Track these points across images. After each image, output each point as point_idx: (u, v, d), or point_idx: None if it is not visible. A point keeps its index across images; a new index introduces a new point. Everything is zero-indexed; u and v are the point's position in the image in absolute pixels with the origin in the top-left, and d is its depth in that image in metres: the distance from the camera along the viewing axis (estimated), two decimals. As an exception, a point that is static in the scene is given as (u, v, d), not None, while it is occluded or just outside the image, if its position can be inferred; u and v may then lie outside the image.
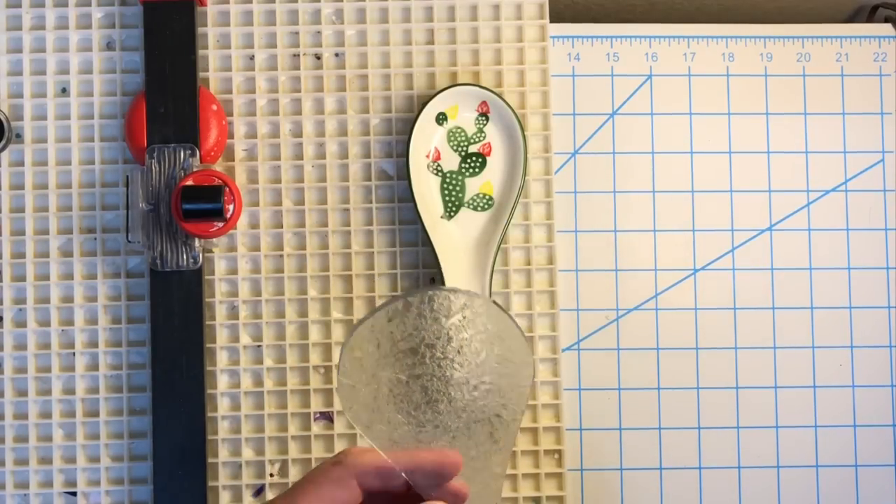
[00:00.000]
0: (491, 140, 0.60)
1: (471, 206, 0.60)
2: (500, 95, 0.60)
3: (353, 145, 0.61)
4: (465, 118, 0.60)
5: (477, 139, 0.60)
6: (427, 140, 0.60)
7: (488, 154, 0.60)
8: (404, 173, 0.59)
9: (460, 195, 0.60)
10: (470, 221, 0.60)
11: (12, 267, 0.60)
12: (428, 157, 0.60)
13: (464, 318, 0.45)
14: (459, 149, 0.60)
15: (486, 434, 0.45)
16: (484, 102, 0.60)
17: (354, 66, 0.61)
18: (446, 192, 0.60)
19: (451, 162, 0.60)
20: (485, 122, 0.60)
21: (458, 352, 0.44)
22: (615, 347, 0.62)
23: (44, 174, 0.60)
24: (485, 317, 0.45)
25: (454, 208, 0.60)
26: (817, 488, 0.62)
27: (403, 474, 0.42)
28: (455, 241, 0.59)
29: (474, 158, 0.60)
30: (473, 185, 0.60)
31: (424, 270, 0.60)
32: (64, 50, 0.61)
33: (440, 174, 0.60)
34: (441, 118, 0.60)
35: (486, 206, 0.60)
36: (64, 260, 0.60)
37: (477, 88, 0.59)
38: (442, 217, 0.59)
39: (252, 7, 0.61)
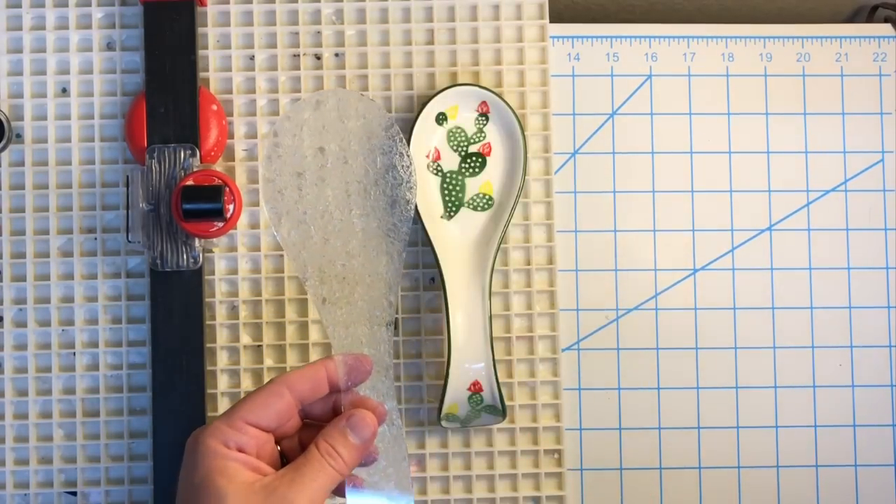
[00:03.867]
0: (491, 140, 0.60)
1: (471, 206, 0.60)
2: (499, 95, 0.60)
3: (353, 145, 0.61)
4: (464, 118, 0.60)
5: (477, 139, 0.60)
6: (427, 140, 0.60)
7: (488, 154, 0.60)
8: None
9: (460, 195, 0.60)
10: (470, 221, 0.60)
11: (12, 267, 0.60)
12: (428, 157, 0.60)
13: (364, 121, 0.52)
14: (459, 149, 0.60)
15: (384, 253, 0.51)
16: (484, 102, 0.60)
17: (354, 66, 0.61)
18: (446, 192, 0.60)
19: (450, 162, 0.60)
20: (485, 122, 0.60)
21: (357, 156, 0.51)
22: (615, 347, 0.62)
23: (44, 174, 0.60)
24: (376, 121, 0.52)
25: (454, 208, 0.60)
26: (817, 488, 0.62)
27: (325, 369, 0.48)
28: (455, 240, 0.59)
29: (474, 158, 0.60)
30: (473, 185, 0.60)
31: (424, 270, 0.60)
32: (64, 50, 0.61)
33: (440, 174, 0.60)
34: (441, 118, 0.60)
35: (486, 206, 0.60)
36: (64, 260, 0.60)
37: (477, 88, 0.59)
38: (442, 217, 0.59)
39: (252, 7, 0.61)
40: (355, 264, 0.51)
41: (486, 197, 0.60)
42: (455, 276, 0.58)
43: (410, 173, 0.52)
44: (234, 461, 0.45)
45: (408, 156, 0.52)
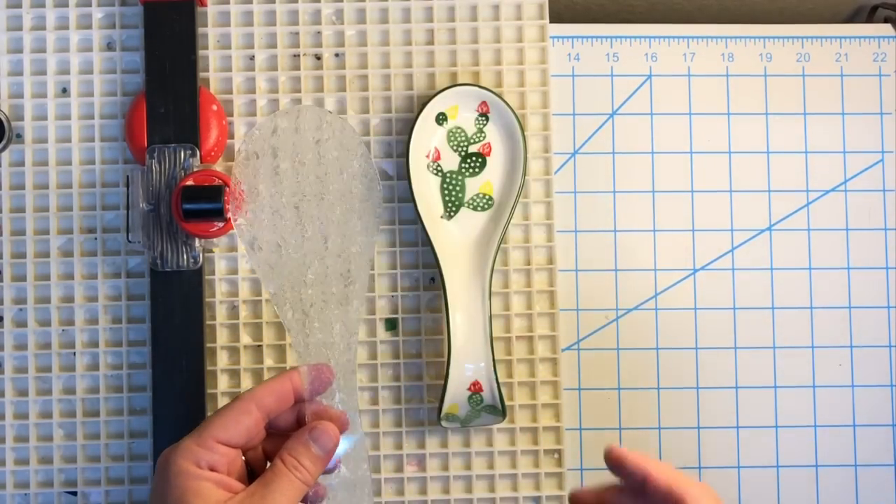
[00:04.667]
0: (491, 140, 0.60)
1: (470, 206, 0.60)
2: (499, 96, 0.60)
3: (353, 145, 0.61)
4: (464, 118, 0.60)
5: (477, 139, 0.60)
6: (427, 140, 0.60)
7: (488, 154, 0.60)
8: (404, 173, 0.59)
9: (460, 195, 0.60)
10: (469, 221, 0.60)
11: (13, 267, 0.60)
12: (428, 157, 0.60)
13: (327, 136, 0.53)
14: (459, 149, 0.60)
15: (344, 273, 0.52)
16: (484, 102, 0.60)
17: (354, 67, 0.61)
18: (446, 192, 0.60)
19: (450, 162, 0.60)
20: (485, 122, 0.60)
21: (325, 173, 0.53)
22: (615, 347, 0.62)
23: (44, 174, 0.60)
24: (340, 135, 0.53)
25: (454, 208, 0.60)
26: (817, 488, 0.62)
27: (290, 381, 0.49)
28: (455, 240, 0.59)
29: (474, 158, 0.60)
30: (473, 186, 0.60)
31: (424, 270, 0.60)
32: (64, 50, 0.61)
33: (440, 174, 0.60)
34: (441, 118, 0.60)
35: (485, 206, 0.60)
36: (64, 260, 0.60)
37: (477, 89, 0.59)
38: (442, 217, 0.59)
39: (252, 7, 0.61)
40: (323, 278, 0.52)
41: (486, 197, 0.60)
42: (455, 276, 0.58)
43: (379, 198, 0.54)
44: (207, 481, 0.45)
45: (378, 183, 0.54)
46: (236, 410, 0.47)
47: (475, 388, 0.58)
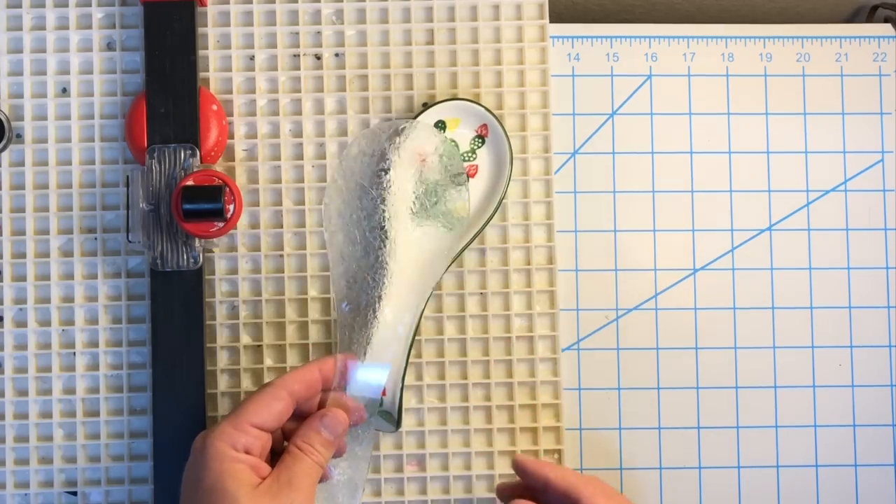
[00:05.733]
0: (479, 164, 0.60)
1: (437, 220, 0.58)
2: (502, 125, 0.59)
3: (353, 145, 0.61)
4: (462, 134, 0.60)
5: (467, 158, 0.60)
6: (421, 141, 0.59)
7: (472, 176, 0.60)
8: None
9: (434, 206, 0.58)
10: (433, 233, 0.58)
11: (13, 267, 0.60)
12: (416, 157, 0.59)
13: (439, 157, 0.55)
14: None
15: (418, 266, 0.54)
16: (485, 125, 0.59)
17: (354, 67, 0.61)
18: (420, 197, 0.58)
19: (435, 171, 0.59)
20: (480, 144, 0.60)
21: (423, 192, 0.55)
22: (615, 347, 0.62)
23: (44, 174, 0.60)
24: (446, 158, 0.55)
25: (423, 216, 0.58)
26: (817, 488, 0.62)
27: (319, 371, 0.51)
28: (412, 245, 0.57)
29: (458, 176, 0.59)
30: (448, 201, 0.58)
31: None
32: (64, 50, 0.61)
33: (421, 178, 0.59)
34: (440, 125, 0.59)
35: (450, 227, 0.58)
36: (64, 260, 0.60)
37: (483, 111, 0.59)
38: (410, 218, 0.58)
39: (252, 7, 0.61)
40: (385, 275, 0.55)
41: (455, 217, 0.59)
42: (400, 278, 0.56)
43: (464, 214, 0.56)
44: (242, 463, 0.47)
45: (465, 220, 0.56)
46: (269, 396, 0.49)
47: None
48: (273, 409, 0.49)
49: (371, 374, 0.54)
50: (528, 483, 0.55)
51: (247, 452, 0.48)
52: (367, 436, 0.54)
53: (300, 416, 0.52)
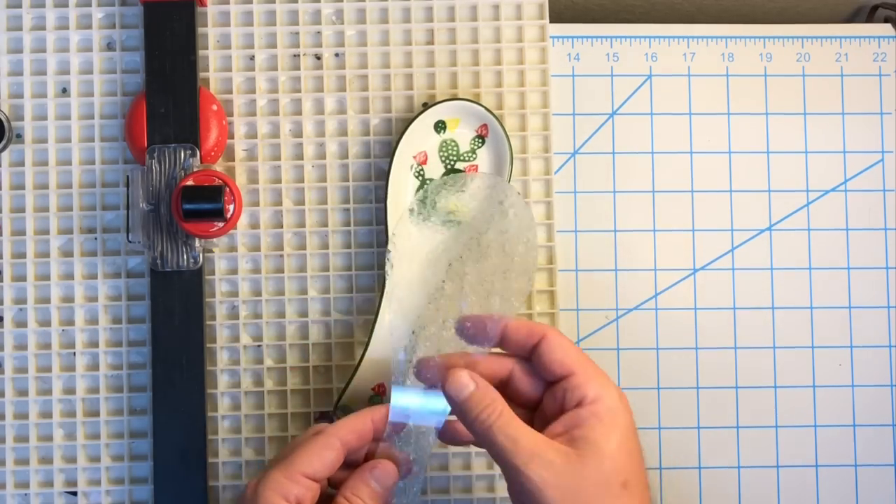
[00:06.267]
0: (479, 164, 0.60)
1: (437, 221, 0.58)
2: (502, 125, 0.59)
3: (353, 145, 0.61)
4: (462, 134, 0.60)
5: (467, 158, 0.60)
6: (420, 141, 0.59)
7: None
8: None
9: (434, 206, 0.58)
10: (432, 234, 0.57)
11: (13, 267, 0.60)
12: (415, 158, 0.59)
13: (515, 214, 0.55)
14: (448, 161, 0.59)
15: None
16: (485, 125, 0.59)
17: (354, 67, 0.61)
18: (420, 198, 0.59)
19: (434, 171, 0.59)
20: (480, 144, 0.60)
21: (489, 245, 0.54)
22: (615, 347, 0.62)
23: (44, 174, 0.60)
24: (522, 216, 0.54)
25: (423, 216, 0.58)
26: (817, 488, 0.62)
27: (371, 421, 0.50)
28: (412, 247, 0.57)
29: None
30: (447, 201, 0.58)
31: (380, 272, 0.60)
32: (64, 50, 0.61)
33: (420, 178, 0.59)
34: (440, 126, 0.59)
35: (450, 226, 0.58)
36: (64, 260, 0.60)
37: (484, 111, 0.59)
38: (410, 218, 0.58)
39: (252, 7, 0.61)
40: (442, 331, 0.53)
41: (455, 218, 0.58)
42: (399, 280, 0.56)
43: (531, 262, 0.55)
44: None
45: (531, 278, 0.54)
46: (320, 445, 0.49)
47: (378, 390, 0.58)
48: (325, 459, 0.48)
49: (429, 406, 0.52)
50: (487, 339, 0.51)
51: (298, 503, 0.47)
52: (412, 489, 0.52)
53: (347, 465, 0.51)
